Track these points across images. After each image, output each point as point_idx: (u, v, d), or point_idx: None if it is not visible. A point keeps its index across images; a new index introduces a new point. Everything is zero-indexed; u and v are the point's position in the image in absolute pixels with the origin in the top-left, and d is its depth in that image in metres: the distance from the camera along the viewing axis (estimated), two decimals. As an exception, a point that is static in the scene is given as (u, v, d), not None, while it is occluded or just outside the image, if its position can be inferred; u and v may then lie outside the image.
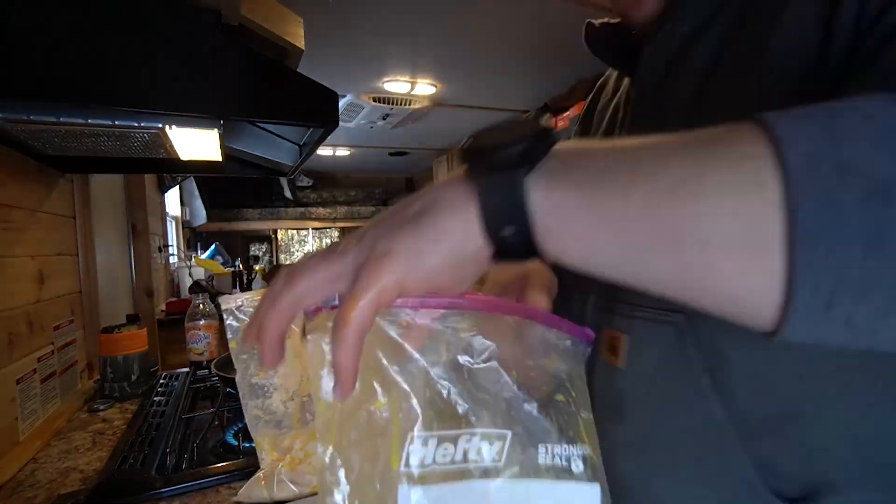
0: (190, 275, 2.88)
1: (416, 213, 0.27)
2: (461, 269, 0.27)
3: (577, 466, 0.30)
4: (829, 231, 0.20)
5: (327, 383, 0.28)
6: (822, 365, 0.34)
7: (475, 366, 0.29)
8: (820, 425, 0.35)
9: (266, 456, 0.63)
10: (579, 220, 0.25)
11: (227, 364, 1.00)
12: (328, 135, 0.94)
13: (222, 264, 3.31)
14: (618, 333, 0.44)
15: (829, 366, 0.35)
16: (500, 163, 0.25)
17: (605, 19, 0.54)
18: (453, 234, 0.26)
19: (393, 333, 0.29)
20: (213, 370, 0.97)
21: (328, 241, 5.79)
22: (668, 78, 0.45)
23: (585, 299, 0.48)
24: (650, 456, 0.42)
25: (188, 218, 3.70)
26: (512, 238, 0.26)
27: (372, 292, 0.26)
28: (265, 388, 0.63)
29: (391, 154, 4.64)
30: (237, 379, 0.62)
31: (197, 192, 3.71)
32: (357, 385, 0.28)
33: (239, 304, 0.62)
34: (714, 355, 0.37)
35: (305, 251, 5.72)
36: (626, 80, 0.56)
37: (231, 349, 0.62)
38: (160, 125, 0.81)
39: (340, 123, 3.05)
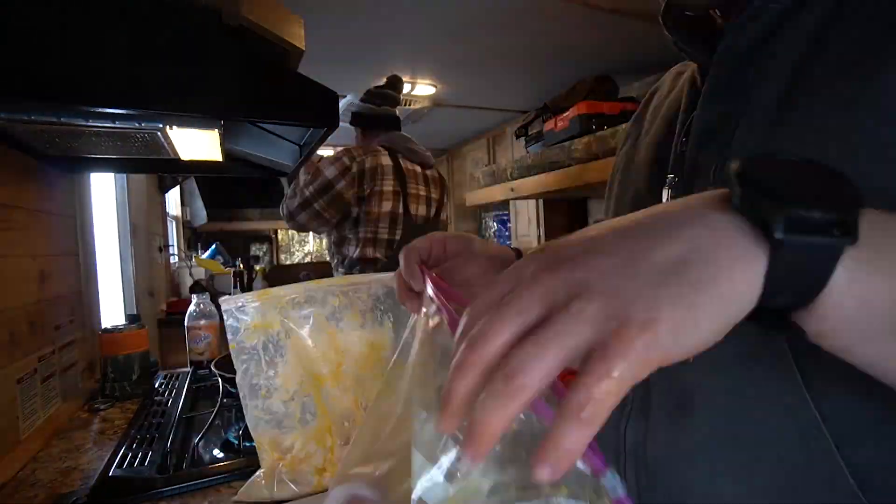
0: (190, 274, 2.88)
1: (677, 263, 0.20)
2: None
3: None
4: None
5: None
6: None
7: None
8: None
9: (266, 456, 0.63)
10: (877, 319, 0.21)
11: (227, 363, 1.00)
12: (329, 135, 0.94)
13: (223, 264, 3.30)
14: None
15: None
16: (809, 223, 0.19)
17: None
18: (739, 297, 0.20)
19: None
20: (213, 369, 0.96)
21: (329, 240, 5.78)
22: (751, 66, 0.39)
23: None
24: (721, 461, 0.37)
25: (189, 218, 3.70)
26: (781, 306, 0.21)
27: (626, 386, 0.18)
28: (266, 389, 0.63)
29: (391, 154, 4.64)
30: (237, 379, 0.62)
31: (197, 192, 3.71)
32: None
33: (239, 305, 0.62)
34: (809, 344, 0.26)
35: (306, 251, 5.72)
36: (689, 72, 0.52)
37: (231, 350, 0.62)
38: (161, 125, 0.81)
39: (341, 124, 3.03)
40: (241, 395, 0.62)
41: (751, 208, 0.20)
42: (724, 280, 0.20)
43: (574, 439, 0.18)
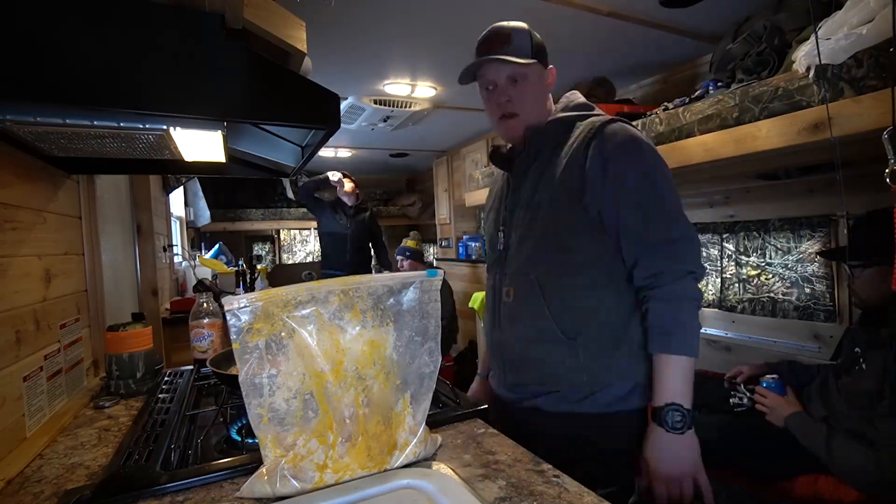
0: (194, 274, 2.88)
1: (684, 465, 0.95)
2: None
3: None
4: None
5: None
6: (575, 293, 1.00)
7: None
8: (575, 310, 0.99)
9: (269, 453, 0.63)
10: None
11: (222, 361, 1.00)
12: (330, 136, 0.94)
13: (226, 264, 3.30)
14: (509, 287, 1.05)
15: (577, 294, 1.00)
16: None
17: (496, 145, 1.20)
18: None
19: None
20: (209, 366, 0.96)
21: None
22: (526, 173, 1.06)
23: (497, 274, 1.10)
24: (519, 329, 1.04)
25: (192, 218, 3.70)
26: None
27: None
28: (268, 387, 0.63)
29: (392, 155, 4.64)
30: (240, 378, 0.62)
31: (201, 193, 3.71)
32: None
33: (242, 305, 0.62)
34: (544, 288, 0.99)
35: (307, 251, 5.72)
36: (504, 178, 1.16)
37: (234, 349, 0.62)
38: (165, 127, 0.81)
39: (342, 125, 3.05)
40: (243, 393, 0.62)
41: (669, 427, 0.93)
42: (686, 448, 0.95)
43: None
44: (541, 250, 1.00)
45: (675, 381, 0.90)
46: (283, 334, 0.64)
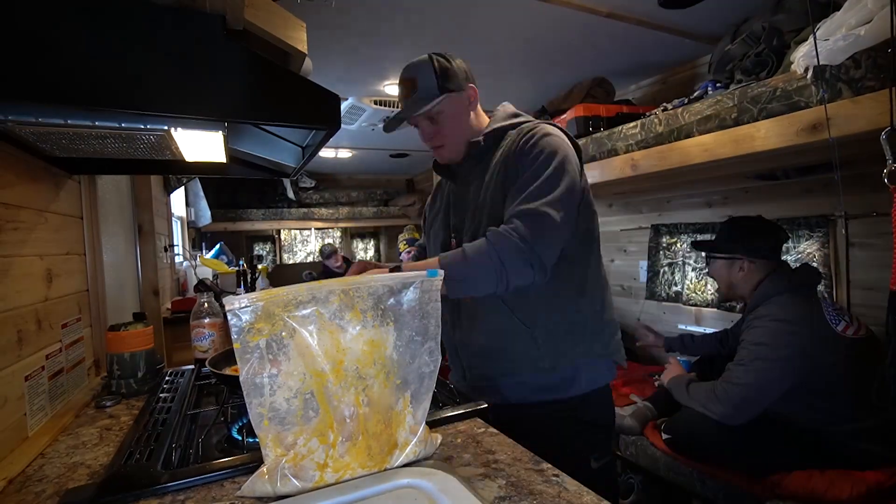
0: (195, 274, 2.88)
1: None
2: None
3: None
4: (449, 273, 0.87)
5: None
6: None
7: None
8: (532, 300, 1.04)
9: (270, 452, 0.63)
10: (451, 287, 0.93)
11: (220, 361, 1.00)
12: (330, 137, 0.94)
13: (227, 264, 3.30)
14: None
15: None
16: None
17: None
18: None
19: None
20: (208, 367, 0.96)
21: (330, 240, 5.78)
22: (468, 185, 1.14)
23: None
24: (476, 325, 1.08)
25: (193, 218, 3.70)
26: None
27: None
28: (269, 387, 0.63)
29: (392, 156, 4.64)
30: (241, 378, 0.62)
31: (202, 193, 3.71)
32: None
33: (243, 305, 0.62)
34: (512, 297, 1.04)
35: (308, 251, 5.71)
36: (442, 188, 1.26)
37: (235, 349, 0.62)
38: (166, 127, 0.81)
39: (342, 126, 3.05)
40: (244, 393, 0.62)
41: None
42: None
43: None
44: None
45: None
46: (283, 334, 0.64)
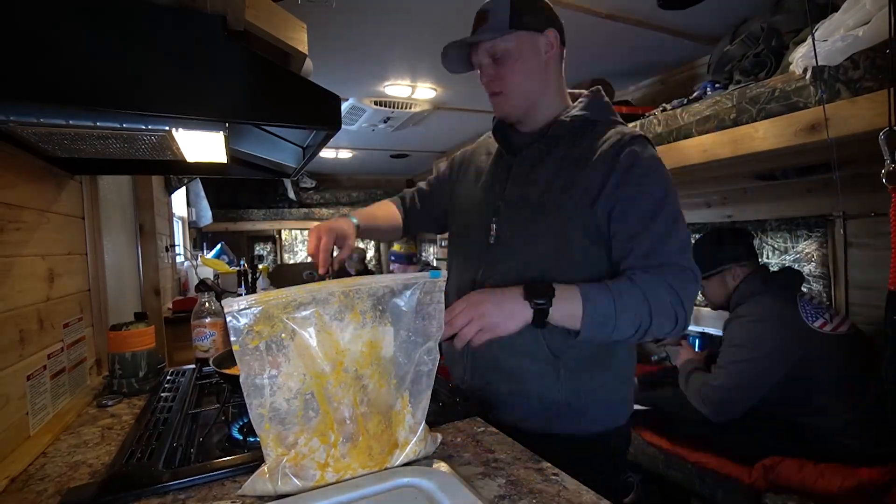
0: (196, 274, 2.88)
1: (508, 311, 0.83)
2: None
3: None
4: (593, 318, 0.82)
5: None
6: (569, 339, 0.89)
7: None
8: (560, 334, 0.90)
9: (271, 451, 0.63)
10: (562, 318, 0.83)
11: (225, 360, 1.00)
12: (331, 137, 0.94)
13: (228, 263, 3.30)
14: (494, 287, 0.93)
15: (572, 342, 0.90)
16: (540, 301, 0.82)
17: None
18: (523, 320, 0.83)
19: None
20: (212, 365, 0.96)
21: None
22: (534, 167, 0.98)
23: (479, 268, 1.01)
24: (502, 342, 0.86)
25: (194, 218, 3.70)
26: (539, 323, 0.83)
27: (484, 336, 0.83)
28: (269, 388, 0.63)
29: (392, 156, 4.63)
30: (241, 379, 0.62)
31: (203, 193, 3.71)
32: None
33: (241, 307, 0.62)
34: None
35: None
36: (495, 155, 1.09)
37: (234, 351, 0.62)
38: (167, 128, 0.81)
39: (343, 126, 3.07)
40: (244, 394, 0.62)
41: (528, 297, 0.82)
42: (519, 317, 0.82)
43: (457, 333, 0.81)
44: (542, 255, 0.93)
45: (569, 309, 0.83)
46: (283, 336, 0.64)
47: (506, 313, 0.81)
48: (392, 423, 0.69)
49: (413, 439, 0.70)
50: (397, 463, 0.69)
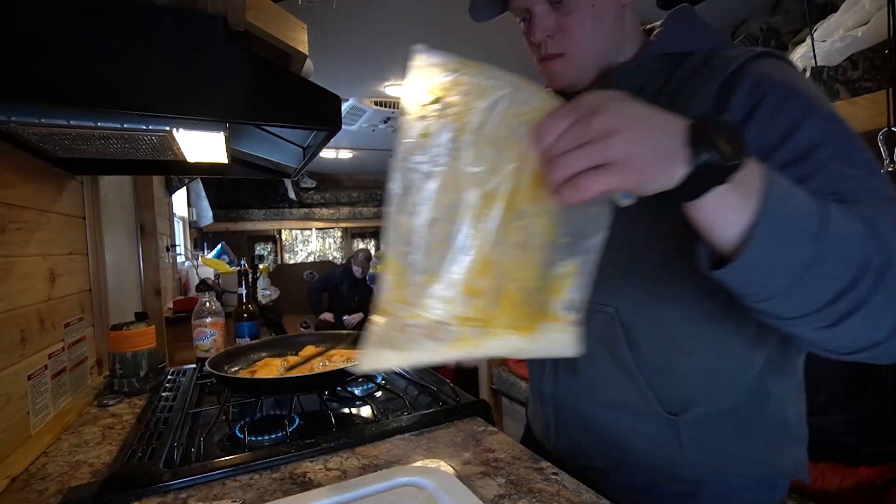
0: (197, 273, 2.88)
1: (657, 144, 0.39)
2: None
3: None
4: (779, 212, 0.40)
5: None
6: (681, 338, 0.62)
7: None
8: (682, 367, 0.63)
9: (394, 304, 0.44)
10: (728, 213, 0.41)
11: (220, 362, 0.99)
12: (331, 138, 0.94)
13: (228, 263, 3.30)
14: None
15: (684, 337, 0.62)
16: (714, 161, 0.39)
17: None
18: (673, 169, 0.40)
19: None
20: (208, 367, 0.93)
21: (331, 240, 5.78)
22: None
23: None
24: (589, 388, 0.69)
25: (195, 218, 3.70)
26: (688, 191, 0.40)
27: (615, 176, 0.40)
28: (419, 200, 0.44)
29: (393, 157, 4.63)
30: (392, 187, 0.43)
31: (203, 194, 3.71)
32: None
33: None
34: (630, 330, 0.64)
35: (309, 251, 5.71)
36: None
37: (402, 121, 0.46)
38: (167, 128, 0.81)
39: (343, 127, 3.07)
40: (391, 202, 0.43)
41: (693, 139, 0.39)
42: (670, 161, 0.38)
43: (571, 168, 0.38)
44: (625, 269, 0.63)
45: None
46: (466, 127, 0.44)
47: (654, 145, 0.39)
48: (549, 286, 0.49)
49: (564, 325, 0.50)
50: (541, 338, 0.49)
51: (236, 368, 1.03)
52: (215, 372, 0.92)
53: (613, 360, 0.66)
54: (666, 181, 0.39)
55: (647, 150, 0.38)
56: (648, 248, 0.62)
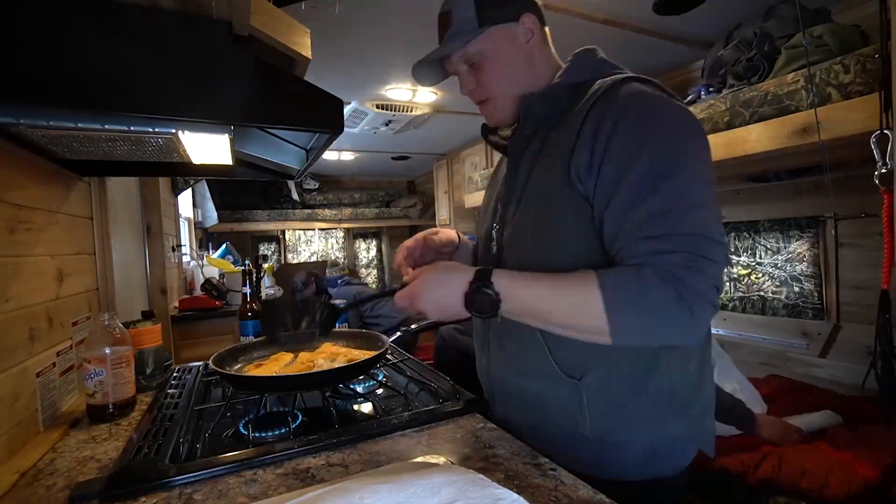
0: (202, 273, 2.88)
1: (444, 298, 0.71)
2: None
3: None
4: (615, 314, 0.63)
5: None
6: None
7: None
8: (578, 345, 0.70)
9: None
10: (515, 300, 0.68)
11: (225, 359, 0.99)
12: (333, 140, 0.94)
13: (233, 263, 3.30)
14: None
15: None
16: (482, 293, 0.68)
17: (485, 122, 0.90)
18: (458, 311, 0.70)
19: None
20: (212, 365, 0.92)
21: (334, 241, 5.78)
22: (522, 155, 0.82)
23: None
24: (510, 360, 0.82)
25: (200, 219, 3.70)
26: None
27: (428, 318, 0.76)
28: None
29: (394, 158, 4.63)
30: None
31: (209, 195, 3.71)
32: None
33: None
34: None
35: (312, 250, 5.71)
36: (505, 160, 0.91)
37: None
38: (173, 131, 0.81)
39: (345, 129, 3.07)
40: None
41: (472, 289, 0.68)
42: (453, 310, 0.70)
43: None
44: (532, 254, 0.76)
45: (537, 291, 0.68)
46: None
47: (444, 296, 0.69)
48: None
49: None
50: None
51: (238, 366, 1.03)
52: (219, 370, 0.92)
53: (527, 332, 0.76)
54: (457, 314, 0.70)
55: (434, 305, 0.71)
56: (549, 237, 0.75)
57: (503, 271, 0.69)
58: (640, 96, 0.69)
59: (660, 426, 0.74)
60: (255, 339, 1.25)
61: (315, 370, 0.93)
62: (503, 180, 0.87)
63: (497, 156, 1.09)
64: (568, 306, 0.66)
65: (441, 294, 0.70)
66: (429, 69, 0.86)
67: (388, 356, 1.22)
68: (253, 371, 0.99)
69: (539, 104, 0.78)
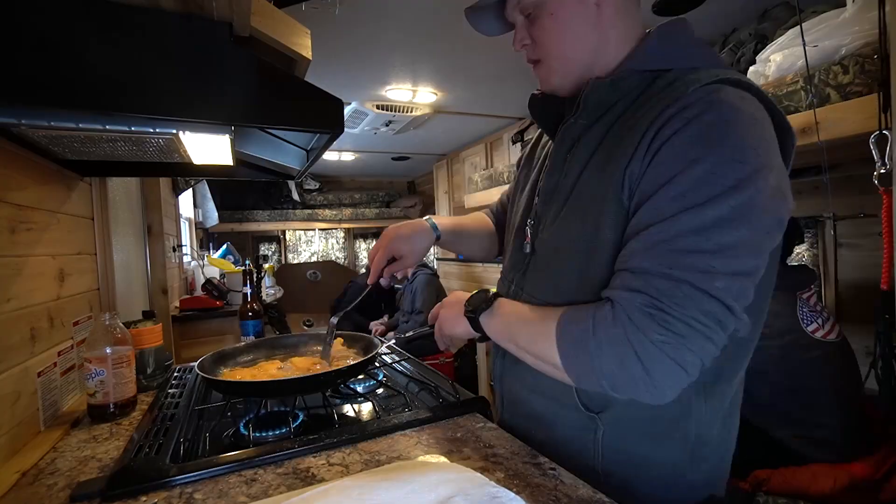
0: (203, 273, 2.88)
1: (451, 321, 0.80)
2: None
3: None
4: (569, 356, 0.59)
5: None
6: None
7: None
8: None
9: None
10: (499, 337, 0.72)
11: (211, 364, 0.99)
12: (334, 140, 0.94)
13: (233, 263, 3.30)
14: None
15: None
16: (476, 315, 0.73)
17: (540, 90, 0.77)
18: (466, 332, 0.77)
19: None
20: (198, 371, 0.90)
21: (334, 241, 5.78)
22: (573, 148, 0.70)
23: (513, 282, 0.80)
24: (524, 376, 0.76)
25: (201, 219, 3.70)
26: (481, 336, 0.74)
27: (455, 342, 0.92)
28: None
29: (394, 159, 4.64)
30: None
31: (209, 195, 3.71)
32: None
33: None
34: None
35: (312, 251, 5.71)
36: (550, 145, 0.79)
37: None
38: (174, 131, 0.81)
39: (346, 129, 3.07)
40: None
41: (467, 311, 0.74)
42: (461, 328, 0.76)
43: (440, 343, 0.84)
44: (569, 268, 0.66)
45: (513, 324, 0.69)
46: None
47: (450, 317, 0.79)
48: None
49: None
50: None
51: (227, 370, 1.02)
52: (205, 375, 0.89)
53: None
54: (464, 333, 0.76)
55: (447, 323, 0.79)
56: (591, 254, 0.64)
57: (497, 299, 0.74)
58: (721, 109, 0.55)
59: (677, 474, 0.67)
60: (254, 339, 1.25)
61: (311, 373, 0.93)
62: (546, 167, 0.75)
63: (497, 156, 1.07)
64: (529, 332, 0.65)
65: (452, 325, 0.79)
66: (485, 17, 0.76)
67: (388, 356, 1.22)
68: (248, 375, 0.99)
69: (606, 92, 0.65)
